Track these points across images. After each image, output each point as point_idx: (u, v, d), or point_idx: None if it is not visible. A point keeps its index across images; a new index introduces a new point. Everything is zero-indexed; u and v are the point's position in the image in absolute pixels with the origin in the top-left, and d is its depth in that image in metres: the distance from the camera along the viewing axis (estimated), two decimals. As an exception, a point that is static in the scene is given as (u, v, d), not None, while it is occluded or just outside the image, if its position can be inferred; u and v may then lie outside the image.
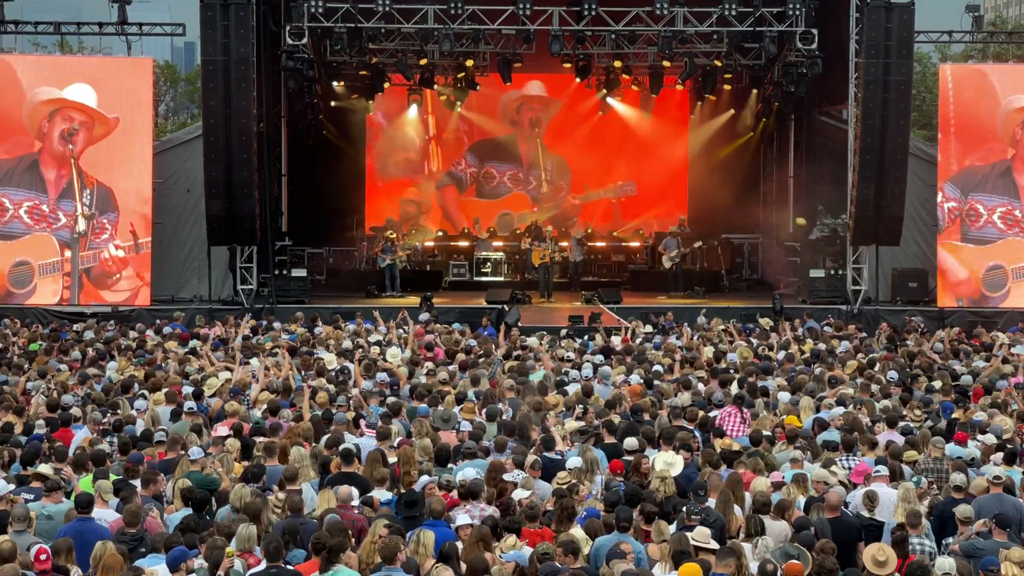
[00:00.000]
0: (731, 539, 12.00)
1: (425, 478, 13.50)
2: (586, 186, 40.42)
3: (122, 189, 31.14)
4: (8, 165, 31.09)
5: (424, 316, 27.54)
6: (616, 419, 16.31)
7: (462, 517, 12.13)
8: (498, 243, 37.14)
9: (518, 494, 12.91)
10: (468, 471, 13.43)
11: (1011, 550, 11.17)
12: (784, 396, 18.04)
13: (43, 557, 10.82)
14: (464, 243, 37.47)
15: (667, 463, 13.91)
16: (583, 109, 39.09)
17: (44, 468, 13.45)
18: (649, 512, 12.09)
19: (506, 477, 13.51)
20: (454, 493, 13.13)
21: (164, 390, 17.99)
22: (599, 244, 38.01)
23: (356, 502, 12.70)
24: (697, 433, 15.75)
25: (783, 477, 13.38)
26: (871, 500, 12.83)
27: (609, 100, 38.29)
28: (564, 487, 13.06)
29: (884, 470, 13.66)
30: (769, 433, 15.78)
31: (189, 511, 12.42)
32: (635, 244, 38.15)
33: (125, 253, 30.96)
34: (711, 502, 12.69)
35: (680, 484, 13.48)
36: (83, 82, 31.18)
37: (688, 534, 11.33)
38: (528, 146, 40.32)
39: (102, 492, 12.68)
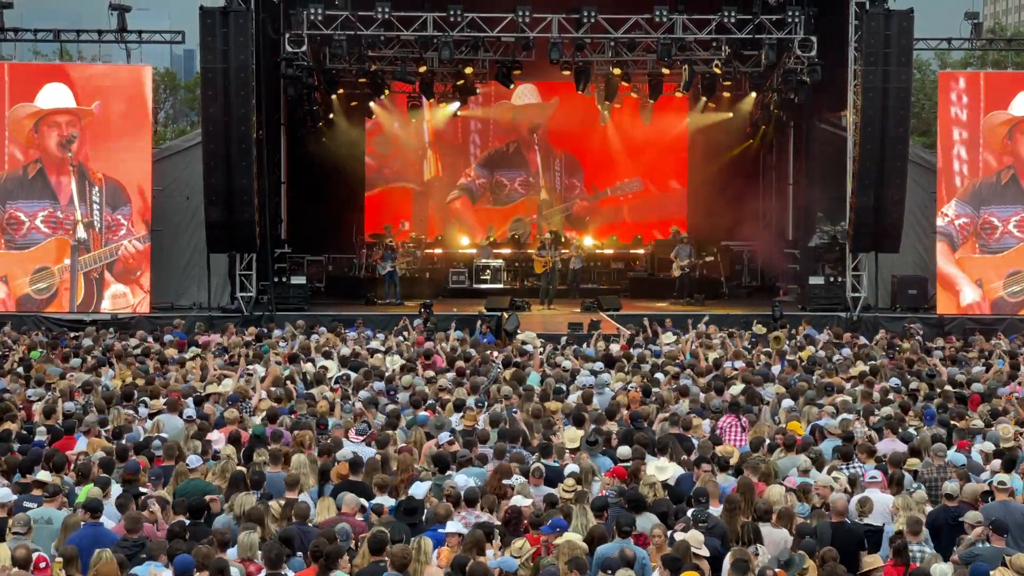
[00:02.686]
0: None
1: (420, 485, 13.45)
2: (593, 185, 40.44)
3: (130, 185, 31.25)
4: (14, 176, 31.10)
5: (417, 321, 27.56)
6: (616, 427, 16.29)
7: (452, 524, 12.09)
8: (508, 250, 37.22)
9: (517, 500, 12.89)
10: (459, 478, 13.41)
11: (1015, 556, 11.09)
12: (783, 403, 17.99)
13: (42, 565, 10.79)
14: (464, 250, 37.50)
15: (658, 468, 13.90)
16: (582, 116, 39.06)
17: (43, 475, 13.43)
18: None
19: (506, 482, 13.49)
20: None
21: (165, 398, 17.97)
22: (600, 251, 38.07)
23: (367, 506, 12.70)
24: (695, 441, 15.72)
25: (796, 483, 13.33)
26: (862, 505, 12.80)
27: (607, 115, 38.38)
28: (570, 495, 13.01)
29: (878, 475, 13.63)
30: (769, 440, 15.75)
31: (181, 518, 12.36)
32: (637, 251, 38.20)
33: (142, 244, 31.10)
34: (713, 509, 12.66)
35: (676, 490, 13.45)
36: (56, 82, 31.24)
37: (683, 535, 11.31)
38: (533, 150, 40.32)
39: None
